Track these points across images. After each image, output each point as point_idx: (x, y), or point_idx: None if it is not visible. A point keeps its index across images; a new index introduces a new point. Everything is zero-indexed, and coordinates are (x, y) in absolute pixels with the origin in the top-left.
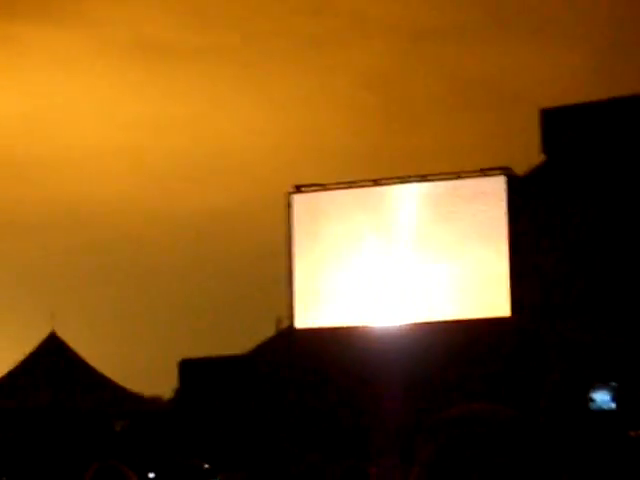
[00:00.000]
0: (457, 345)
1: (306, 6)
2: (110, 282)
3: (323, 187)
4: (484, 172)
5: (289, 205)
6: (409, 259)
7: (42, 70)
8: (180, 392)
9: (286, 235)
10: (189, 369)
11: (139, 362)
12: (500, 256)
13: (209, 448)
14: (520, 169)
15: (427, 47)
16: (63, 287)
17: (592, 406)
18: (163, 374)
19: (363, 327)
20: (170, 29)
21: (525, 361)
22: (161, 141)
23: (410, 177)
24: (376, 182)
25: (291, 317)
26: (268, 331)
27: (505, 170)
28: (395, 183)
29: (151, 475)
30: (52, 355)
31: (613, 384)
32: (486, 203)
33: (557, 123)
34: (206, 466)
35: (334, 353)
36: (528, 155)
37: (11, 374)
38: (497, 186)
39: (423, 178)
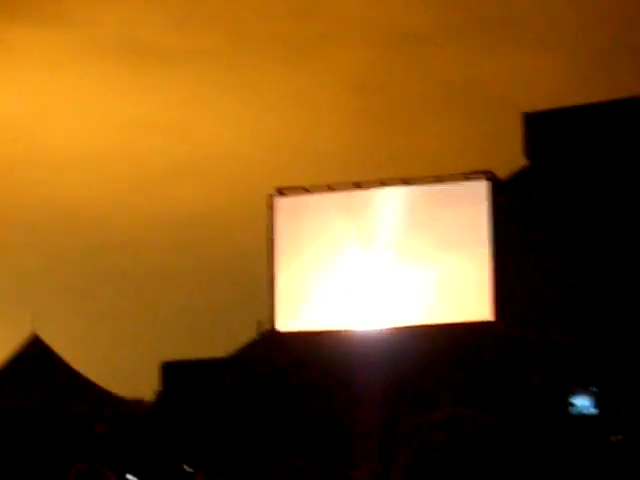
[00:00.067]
0: (438, 349)
1: (293, 10)
2: (92, 284)
3: (305, 190)
4: (466, 176)
5: (271, 208)
6: (391, 262)
7: (29, 72)
8: (162, 395)
9: (268, 238)
10: (171, 372)
11: (121, 365)
12: (482, 260)
13: (191, 451)
14: (503, 173)
15: (411, 52)
16: (45, 289)
17: (572, 411)
18: (145, 377)
19: (344, 331)
20: (159, 32)
21: (506, 365)
22: (148, 143)
23: (392, 181)
24: (358, 185)
25: (272, 320)
26: (249, 334)
27: (487, 174)
28: (377, 187)
29: (132, 478)
30: (34, 357)
31: (594, 389)
32: (468, 207)
33: (539, 127)
34: (187, 469)
35: (315, 356)
36: (511, 159)
37: None
38: (479, 190)
39: (405, 182)
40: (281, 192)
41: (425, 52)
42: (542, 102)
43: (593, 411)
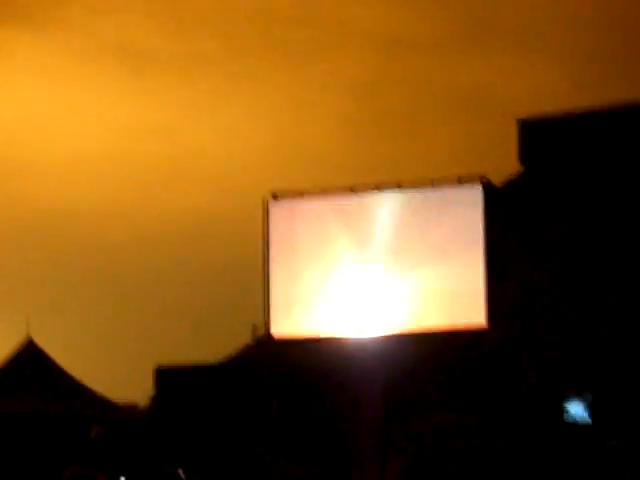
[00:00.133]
0: (432, 355)
1: (289, 16)
2: (86, 288)
3: (300, 195)
4: (461, 181)
5: (266, 212)
6: (385, 267)
7: (24, 76)
8: (156, 400)
9: (263, 242)
10: (165, 377)
11: (115, 369)
12: (476, 266)
13: (185, 456)
14: (497, 179)
15: (406, 57)
16: (39, 293)
17: (566, 418)
18: (139, 381)
19: (339, 337)
20: (154, 37)
21: (500, 372)
22: (143, 148)
23: (387, 186)
24: (353, 190)
25: (267, 325)
26: (244, 339)
27: (482, 180)
28: (372, 191)
29: None
30: (28, 361)
31: (588, 395)
32: (463, 213)
33: (534, 133)
34: (182, 474)
35: (310, 362)
36: (505, 166)
37: None
38: (474, 196)
39: (400, 187)
40: (276, 196)
41: (420, 58)
42: (537, 108)
43: (587, 417)
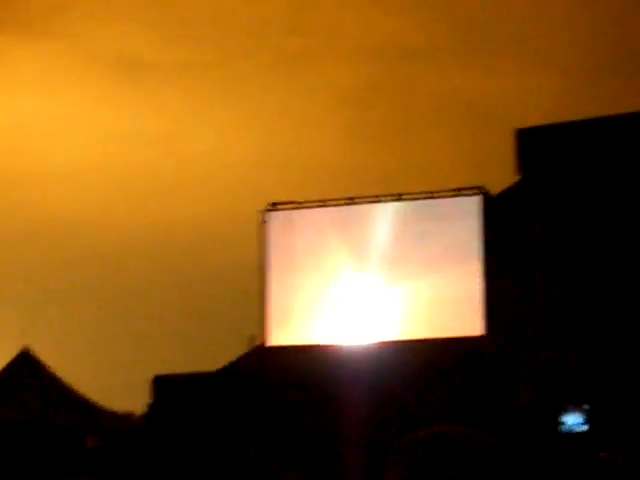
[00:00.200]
0: (428, 364)
1: (285, 24)
2: (82, 298)
3: (298, 204)
4: (459, 192)
5: (264, 222)
6: (383, 277)
7: (21, 84)
8: (153, 409)
9: (260, 252)
10: (162, 386)
11: (112, 378)
12: (474, 276)
13: (182, 465)
14: (495, 189)
15: (403, 66)
16: (35, 302)
17: (563, 429)
18: (136, 390)
19: (336, 345)
20: (150, 45)
21: (496, 381)
22: (139, 156)
23: (385, 196)
24: (351, 200)
25: (264, 334)
26: (241, 348)
27: (480, 189)
28: (370, 202)
29: None
30: (24, 371)
31: (585, 406)
32: (460, 222)
33: (532, 143)
34: None
35: (306, 371)
36: (503, 175)
37: None
38: (472, 206)
39: (398, 197)
40: (274, 206)
41: (418, 67)
42: (535, 118)
43: (584, 428)
